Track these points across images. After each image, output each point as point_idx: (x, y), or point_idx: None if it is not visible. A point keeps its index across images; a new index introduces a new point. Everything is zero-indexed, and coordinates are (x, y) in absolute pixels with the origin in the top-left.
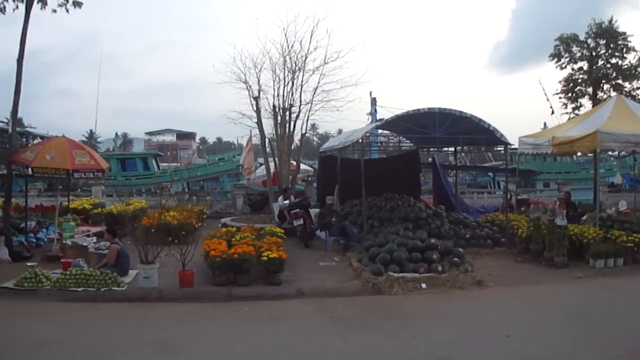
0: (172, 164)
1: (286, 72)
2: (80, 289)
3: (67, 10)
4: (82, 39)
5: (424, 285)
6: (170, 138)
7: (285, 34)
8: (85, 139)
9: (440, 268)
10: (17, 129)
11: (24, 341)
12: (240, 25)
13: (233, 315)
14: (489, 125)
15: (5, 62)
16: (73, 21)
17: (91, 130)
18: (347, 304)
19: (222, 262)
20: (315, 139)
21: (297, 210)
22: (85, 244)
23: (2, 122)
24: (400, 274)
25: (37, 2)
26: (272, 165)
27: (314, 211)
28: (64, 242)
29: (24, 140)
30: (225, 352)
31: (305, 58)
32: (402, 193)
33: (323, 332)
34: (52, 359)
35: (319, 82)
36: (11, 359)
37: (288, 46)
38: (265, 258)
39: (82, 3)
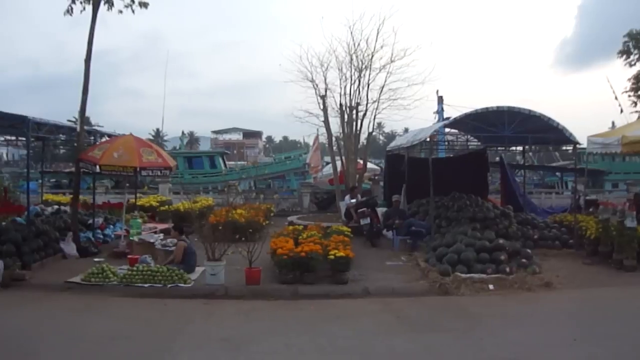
0: (239, 163)
1: (353, 70)
2: (146, 285)
3: (133, 11)
4: (148, 39)
5: (491, 287)
6: (236, 137)
7: (351, 32)
8: (152, 138)
9: (507, 269)
10: (85, 127)
11: (91, 336)
12: (306, 24)
13: (299, 313)
14: (558, 124)
15: (74, 63)
16: (139, 22)
17: (158, 129)
18: (413, 304)
19: (289, 260)
20: (381, 137)
21: (364, 209)
22: (152, 240)
23: (71, 121)
24: (468, 275)
25: (104, 4)
26: (338, 163)
27: (380, 210)
28: (131, 238)
29: (92, 138)
30: (291, 351)
31: (372, 56)
32: (470, 193)
33: (389, 332)
34: (119, 353)
35: (385, 81)
36: (79, 354)
37: (354, 44)
38: (332, 256)
39: (147, 4)
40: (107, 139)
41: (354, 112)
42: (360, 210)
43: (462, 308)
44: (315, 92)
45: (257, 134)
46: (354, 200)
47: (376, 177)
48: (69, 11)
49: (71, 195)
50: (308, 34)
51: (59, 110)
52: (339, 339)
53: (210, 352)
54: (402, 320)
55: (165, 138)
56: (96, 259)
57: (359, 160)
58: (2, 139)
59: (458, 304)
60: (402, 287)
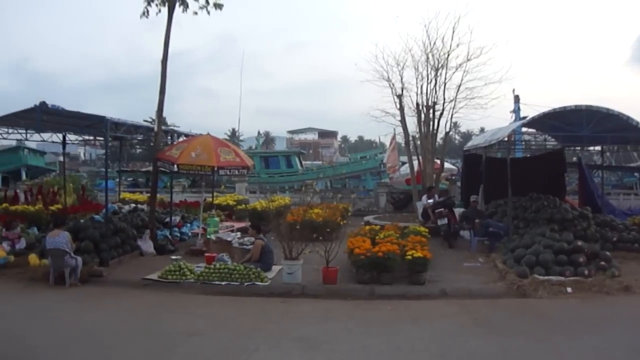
0: (314, 162)
1: (429, 69)
2: (223, 283)
3: (208, 12)
4: (223, 40)
5: (569, 290)
6: (312, 136)
7: (427, 31)
8: (227, 138)
9: (586, 272)
10: (162, 127)
11: (168, 332)
12: (381, 23)
13: (376, 313)
14: (638, 122)
15: (148, 64)
16: (213, 23)
17: (233, 129)
18: (491, 306)
19: (366, 260)
20: (457, 137)
21: (442, 209)
22: (229, 239)
23: (147, 121)
24: (546, 277)
25: (179, 6)
26: (415, 163)
27: (457, 211)
28: (208, 236)
29: (169, 137)
30: (368, 351)
31: (448, 55)
32: (547, 193)
33: (466, 335)
34: (196, 350)
35: (462, 80)
36: (157, 350)
37: (430, 43)
38: (409, 257)
39: (222, 5)
40: (184, 138)
41: (431, 111)
42: (438, 210)
43: (540, 311)
44: (392, 92)
45: (332, 134)
46: (431, 201)
47: (453, 177)
48: (145, 14)
49: (148, 194)
50: (383, 33)
51: (134, 110)
52: (416, 340)
53: (286, 351)
54: (480, 323)
55: (241, 138)
56: (173, 257)
57: (436, 160)
58: (81, 138)
59: (536, 307)
60: (479, 289)
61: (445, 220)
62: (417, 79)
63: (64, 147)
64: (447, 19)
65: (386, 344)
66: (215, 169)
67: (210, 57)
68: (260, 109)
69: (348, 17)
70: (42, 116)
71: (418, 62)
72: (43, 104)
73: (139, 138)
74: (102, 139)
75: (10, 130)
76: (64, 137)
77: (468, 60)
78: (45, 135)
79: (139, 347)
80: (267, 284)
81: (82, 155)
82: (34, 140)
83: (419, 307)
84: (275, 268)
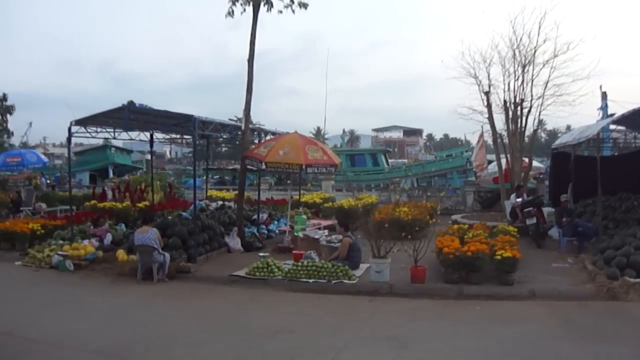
0: (399, 160)
1: (516, 65)
2: (311, 281)
3: (293, 11)
4: (306, 39)
5: None
6: (397, 134)
7: (513, 27)
8: (312, 136)
9: None
10: (249, 126)
11: (256, 329)
12: (466, 19)
13: (464, 313)
14: None
15: (232, 64)
16: (296, 22)
17: (318, 127)
18: (580, 309)
19: (454, 259)
20: (543, 135)
21: (530, 208)
22: (316, 236)
23: (231, 119)
24: (637, 280)
25: (264, 5)
26: (503, 161)
27: (546, 210)
28: (295, 234)
29: (255, 134)
30: (457, 352)
31: (535, 51)
32: (637, 193)
33: (556, 338)
34: (284, 347)
35: (549, 76)
36: (245, 346)
37: (516, 39)
38: (499, 257)
39: (307, 4)
40: (272, 137)
41: (519, 108)
42: (526, 210)
43: (632, 315)
44: (479, 89)
45: (417, 132)
46: (519, 200)
47: (541, 176)
48: (230, 13)
49: (235, 192)
50: (469, 29)
51: (218, 109)
52: (505, 342)
53: (375, 350)
54: (569, 325)
55: (326, 136)
56: (261, 254)
57: (524, 158)
58: (168, 137)
59: (627, 310)
60: (568, 290)
61: (534, 220)
62: (504, 75)
63: (151, 146)
64: (533, 14)
65: (475, 344)
66: (303, 167)
67: (293, 56)
68: (345, 107)
69: (432, 13)
70: (129, 115)
71: (504, 58)
72: (131, 103)
73: (223, 137)
74: (189, 137)
75: (99, 129)
76: (151, 136)
77: (555, 56)
78: (133, 134)
79: (227, 343)
80: (354, 282)
81: (167, 153)
82: (122, 139)
83: (508, 307)
84: (363, 266)
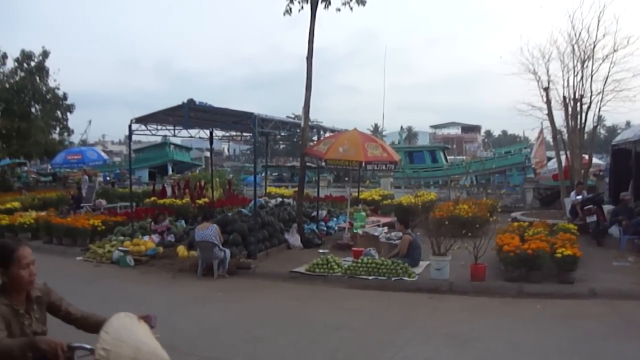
0: (458, 157)
1: (575, 61)
2: (370, 277)
3: (351, 8)
4: (362, 36)
5: None
6: (455, 131)
7: (572, 21)
8: (370, 133)
9: None
10: (308, 123)
11: (317, 325)
12: (525, 14)
13: (524, 312)
14: None
15: (289, 62)
16: (353, 19)
17: (376, 124)
18: None
19: (515, 257)
20: (602, 131)
21: (590, 206)
22: (376, 233)
23: (289, 117)
24: None
25: (321, 2)
26: (563, 158)
27: (606, 207)
28: (354, 231)
29: (314, 130)
30: (517, 350)
31: (594, 46)
32: None
33: (617, 337)
34: (344, 343)
35: (609, 71)
36: (306, 341)
37: (575, 34)
38: (559, 255)
39: (365, 1)
40: (331, 134)
41: (578, 104)
42: (587, 207)
43: None
44: (538, 85)
45: (475, 128)
46: (579, 197)
47: (601, 173)
48: (288, 11)
49: (293, 189)
50: (528, 24)
51: (276, 107)
52: (565, 341)
53: (435, 347)
54: (630, 325)
55: (384, 133)
56: (320, 250)
57: (583, 155)
58: (227, 134)
59: None
60: (629, 290)
61: (594, 218)
62: (563, 71)
63: (211, 143)
64: (592, 8)
65: (535, 343)
66: (363, 164)
67: (350, 53)
68: (402, 103)
69: (490, 8)
70: (189, 113)
71: (563, 53)
72: (191, 101)
73: (282, 134)
74: (248, 134)
75: (159, 127)
76: (211, 133)
77: (615, 50)
78: (193, 132)
79: (287, 338)
80: (414, 279)
81: (225, 150)
82: (181, 136)
83: (568, 306)
84: (423, 264)
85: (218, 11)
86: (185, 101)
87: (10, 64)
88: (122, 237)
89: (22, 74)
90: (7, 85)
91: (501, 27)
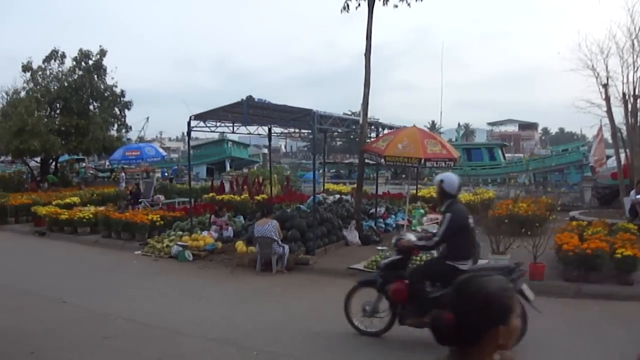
0: (515, 155)
1: (635, 56)
2: None
3: (409, 4)
4: (418, 32)
5: None
6: (512, 128)
7: (631, 16)
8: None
9: None
10: (367, 119)
11: None
12: (582, 9)
13: (582, 313)
14: None
15: (346, 58)
16: (409, 16)
17: (433, 121)
18: None
19: (574, 256)
20: None
21: None
22: (434, 231)
23: (346, 114)
24: None
25: None
26: (622, 157)
27: None
28: (412, 228)
29: (372, 127)
30: (575, 351)
31: None
32: None
33: None
34: (403, 340)
35: None
36: (364, 338)
37: (634, 28)
38: (619, 255)
39: None
40: (389, 130)
41: (638, 101)
42: None
43: None
44: (597, 81)
45: (532, 126)
46: (639, 196)
47: None
48: (345, 8)
49: (351, 185)
50: (585, 19)
51: (330, 103)
52: (626, 344)
53: None
54: None
55: (440, 130)
56: (378, 247)
57: None
58: (285, 131)
59: None
60: None
61: None
62: (622, 67)
63: (269, 140)
64: None
65: (593, 344)
66: (422, 161)
67: (406, 50)
68: (459, 100)
69: (546, 3)
70: (248, 110)
71: (622, 49)
72: (250, 98)
73: (339, 130)
74: (306, 131)
75: (218, 124)
76: (269, 130)
77: None
78: (251, 128)
79: (345, 335)
80: None
81: (283, 147)
82: (240, 133)
83: (627, 308)
84: (481, 262)
85: (274, 9)
86: (244, 98)
87: (68, 63)
88: (180, 232)
89: (80, 73)
90: (66, 84)
91: (558, 22)
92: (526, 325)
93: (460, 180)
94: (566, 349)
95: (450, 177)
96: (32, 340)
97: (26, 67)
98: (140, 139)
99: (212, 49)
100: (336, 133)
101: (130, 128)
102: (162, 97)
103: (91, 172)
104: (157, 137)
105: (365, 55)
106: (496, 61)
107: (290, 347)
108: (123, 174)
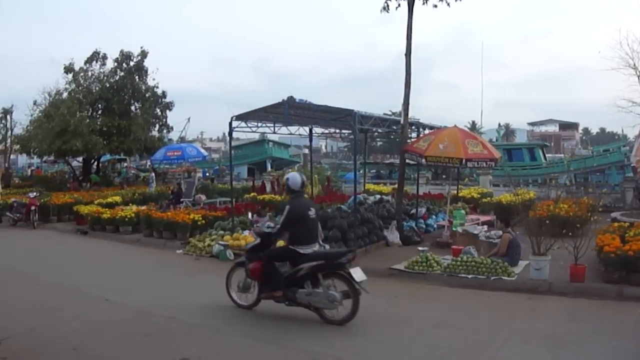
0: (556, 155)
1: None
2: (469, 276)
3: (448, 4)
4: (458, 32)
5: None
6: (552, 128)
7: None
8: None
9: None
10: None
11: (416, 322)
12: (623, 7)
13: (624, 316)
14: None
15: (384, 59)
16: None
17: (473, 121)
18: None
19: (615, 258)
20: None
21: None
22: (476, 232)
23: (386, 114)
24: None
25: None
26: None
27: None
28: (453, 229)
29: (413, 128)
30: (617, 355)
31: None
32: None
33: None
34: (443, 341)
35: None
36: (404, 338)
37: None
38: None
39: None
40: (430, 131)
41: None
42: None
43: None
44: (638, 80)
45: (573, 126)
46: None
47: None
48: (385, 8)
49: (392, 186)
50: (626, 18)
51: (370, 103)
52: None
53: (534, 348)
54: None
55: (481, 130)
56: (419, 248)
57: None
58: (326, 131)
59: None
60: None
61: None
62: None
63: (310, 140)
64: None
65: (635, 349)
66: (463, 161)
67: (446, 49)
68: (500, 100)
69: (586, 2)
70: (289, 110)
71: None
72: (291, 98)
73: (379, 131)
74: (347, 131)
75: (260, 124)
76: (310, 130)
77: None
78: (292, 129)
79: (387, 334)
80: (513, 279)
81: (323, 147)
82: (280, 133)
83: None
84: (522, 263)
85: (313, 10)
86: (285, 98)
87: (109, 64)
88: (222, 232)
89: (122, 74)
90: (107, 85)
91: (599, 21)
92: (357, 306)
93: (304, 178)
94: (607, 353)
95: (294, 176)
96: (74, 336)
97: (68, 69)
98: (182, 139)
99: (252, 50)
100: (376, 133)
101: (172, 128)
102: (203, 98)
103: (132, 172)
104: (198, 137)
105: (405, 55)
106: (536, 60)
107: (332, 347)
108: (153, 174)
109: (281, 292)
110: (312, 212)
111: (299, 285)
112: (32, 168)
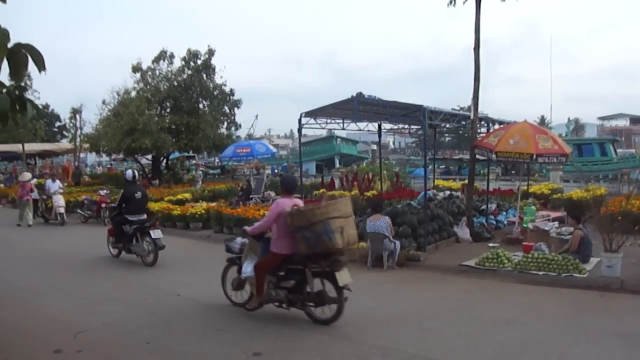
0: (627, 150)
1: None
2: (540, 273)
3: None
4: (525, 26)
5: None
6: (623, 123)
7: None
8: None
9: None
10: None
11: (486, 318)
12: None
13: None
14: None
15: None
16: (515, 9)
17: (542, 116)
18: None
19: None
20: None
21: None
22: (547, 228)
23: (454, 109)
24: None
25: None
26: None
27: None
28: (524, 225)
29: (482, 122)
30: None
31: None
32: None
33: None
34: (513, 338)
35: None
36: (475, 335)
37: None
38: None
39: None
40: (499, 126)
41: None
42: None
43: None
44: None
45: None
46: None
47: None
48: (452, 2)
49: (461, 182)
50: None
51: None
52: None
53: (607, 348)
54: None
55: (550, 125)
56: (490, 244)
57: None
58: (395, 127)
59: None
60: None
61: None
62: None
63: (379, 136)
64: None
65: None
66: (534, 156)
67: (514, 43)
68: (569, 94)
69: None
70: (358, 106)
71: None
72: (360, 94)
73: (449, 126)
74: (416, 127)
75: (328, 121)
76: (379, 126)
77: None
78: (361, 125)
79: (456, 331)
80: (584, 276)
81: (391, 143)
82: (349, 129)
83: None
84: (593, 260)
85: (379, 6)
86: (354, 95)
87: (177, 63)
88: None
89: (190, 72)
90: (175, 83)
91: None
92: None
93: (135, 172)
94: None
95: (128, 172)
96: (148, 331)
97: (136, 68)
98: (250, 137)
99: (319, 47)
100: (445, 129)
101: (240, 126)
102: (270, 95)
103: (201, 169)
104: (265, 134)
105: (474, 49)
106: (606, 53)
107: (401, 342)
108: (200, 171)
109: (121, 244)
110: (138, 195)
111: (130, 240)
112: (107, 165)
